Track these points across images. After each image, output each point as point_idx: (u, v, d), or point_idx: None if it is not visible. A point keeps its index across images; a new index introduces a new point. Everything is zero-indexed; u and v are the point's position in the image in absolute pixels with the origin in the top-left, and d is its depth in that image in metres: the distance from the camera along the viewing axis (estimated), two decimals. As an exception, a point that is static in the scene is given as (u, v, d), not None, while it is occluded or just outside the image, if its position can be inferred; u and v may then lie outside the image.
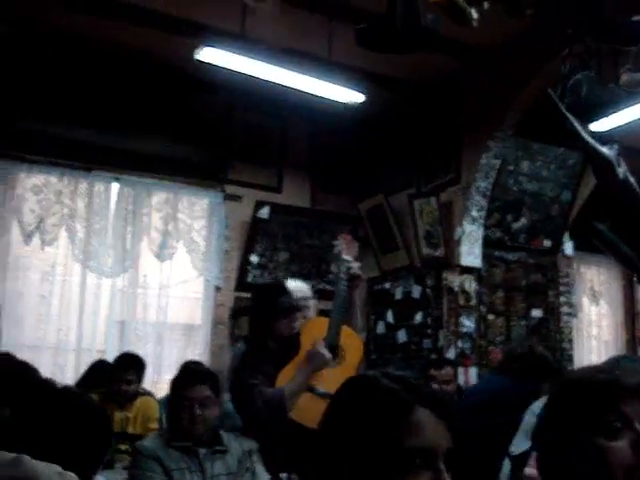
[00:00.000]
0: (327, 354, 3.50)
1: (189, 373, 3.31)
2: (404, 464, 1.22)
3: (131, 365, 4.99)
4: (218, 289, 6.73)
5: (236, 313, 6.62)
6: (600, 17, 2.80)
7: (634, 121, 5.59)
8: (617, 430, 1.30)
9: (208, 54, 5.10)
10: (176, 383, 3.26)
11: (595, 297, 9.14)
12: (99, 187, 6.40)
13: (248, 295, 6.78)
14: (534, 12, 2.72)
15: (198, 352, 6.62)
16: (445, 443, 1.26)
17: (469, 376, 6.26)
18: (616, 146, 3.59)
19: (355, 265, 3.92)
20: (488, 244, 6.65)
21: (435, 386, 5.06)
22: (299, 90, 5.62)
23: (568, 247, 7.29)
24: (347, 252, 3.85)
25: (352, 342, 3.76)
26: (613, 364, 1.54)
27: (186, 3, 5.41)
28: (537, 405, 3.19)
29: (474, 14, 2.54)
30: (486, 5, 2.55)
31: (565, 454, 1.36)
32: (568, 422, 1.37)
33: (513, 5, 2.58)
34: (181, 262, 6.68)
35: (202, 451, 3.12)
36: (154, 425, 4.84)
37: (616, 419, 1.31)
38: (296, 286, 4.19)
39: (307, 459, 1.38)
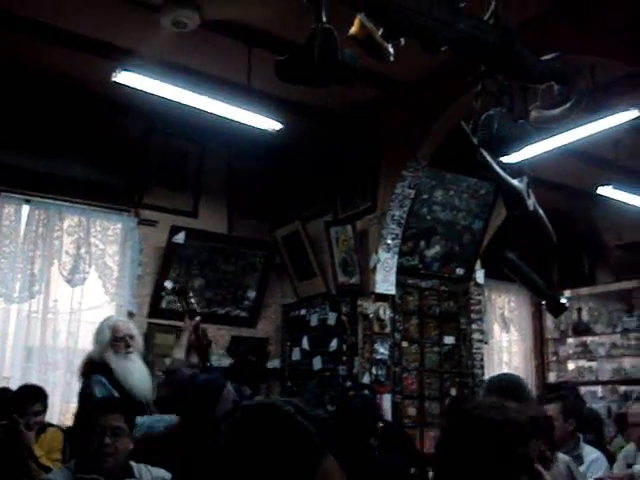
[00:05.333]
0: None
1: (101, 401, 3.20)
2: None
3: (38, 397, 4.82)
4: (131, 315, 6.60)
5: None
6: (511, 56, 2.91)
7: (542, 154, 5.83)
8: (517, 472, 1.28)
9: (126, 77, 5.05)
10: (84, 410, 3.14)
11: (506, 324, 9.39)
12: (9, 209, 6.20)
13: (162, 321, 6.71)
14: (449, 48, 2.81)
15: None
16: None
17: (383, 403, 6.31)
18: (526, 178, 3.73)
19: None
20: (402, 272, 6.75)
21: None
22: (218, 115, 5.62)
23: (479, 275, 7.48)
24: None
25: None
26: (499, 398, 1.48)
27: (106, 26, 5.34)
28: None
29: (390, 49, 2.61)
30: (402, 41, 2.62)
31: None
32: (468, 462, 1.33)
33: (428, 41, 2.65)
34: (93, 287, 6.51)
35: (112, 484, 2.91)
36: (57, 456, 4.67)
37: (515, 461, 1.29)
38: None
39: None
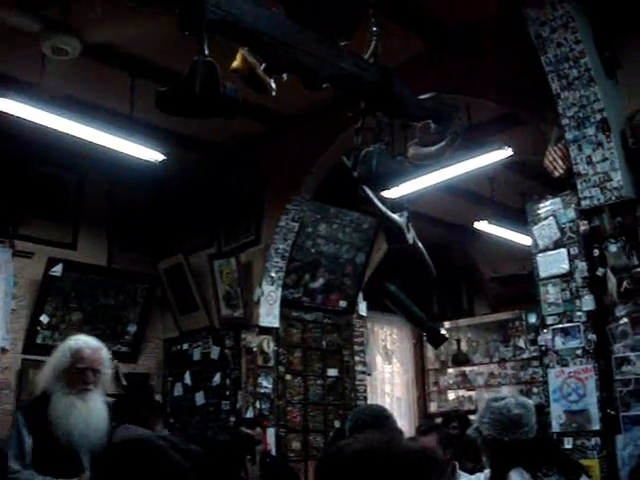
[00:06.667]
0: None
1: None
2: None
3: None
4: (4, 351, 6.29)
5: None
6: (390, 94, 2.99)
7: (422, 190, 6.00)
8: None
9: (5, 104, 4.86)
10: None
11: (388, 355, 9.53)
12: None
13: (37, 357, 6.43)
14: (330, 85, 2.86)
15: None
16: None
17: (267, 437, 6.25)
18: (406, 213, 3.82)
19: None
20: (286, 304, 6.77)
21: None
22: (98, 145, 5.49)
23: (362, 307, 7.59)
24: None
25: None
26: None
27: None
28: None
29: (273, 84, 2.64)
30: (285, 76, 2.66)
31: None
32: None
33: (310, 78, 2.70)
34: (-38, 321, 6.20)
35: None
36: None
37: None
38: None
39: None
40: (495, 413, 2.74)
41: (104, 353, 3.42)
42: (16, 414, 3.37)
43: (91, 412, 3.29)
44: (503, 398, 2.81)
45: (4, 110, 4.94)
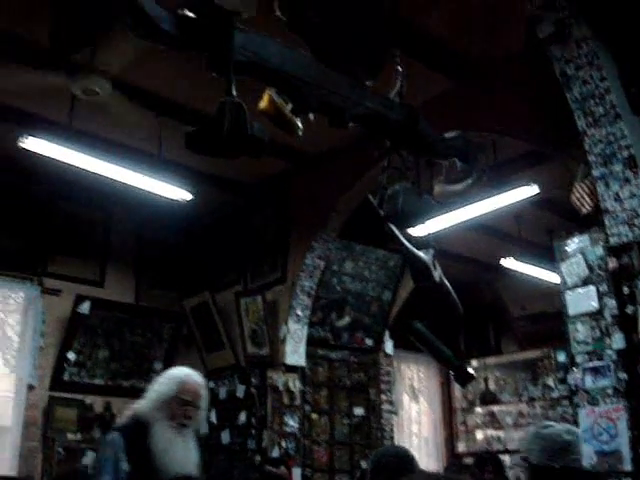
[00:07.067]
0: None
1: None
2: None
3: None
4: (31, 388, 6.33)
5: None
6: (415, 133, 3.01)
7: (448, 227, 5.99)
8: None
9: (33, 143, 4.96)
10: None
11: (415, 394, 9.45)
12: None
13: (64, 394, 6.47)
14: (356, 124, 2.88)
15: (7, 456, 6.14)
16: None
17: (293, 477, 6.20)
18: (432, 251, 3.81)
19: None
20: (312, 343, 6.74)
21: None
22: (127, 184, 5.56)
23: (388, 346, 7.53)
24: None
25: None
26: None
27: (13, 91, 5.25)
28: None
29: (299, 124, 2.66)
30: (311, 116, 2.68)
31: None
32: None
33: (336, 118, 2.72)
34: (-8, 358, 6.26)
35: None
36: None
37: None
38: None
39: None
40: (545, 440, 2.67)
41: (205, 390, 3.30)
42: (110, 437, 3.14)
43: (189, 450, 3.20)
44: (551, 425, 2.75)
45: (33, 149, 5.03)
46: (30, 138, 4.94)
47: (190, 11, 2.29)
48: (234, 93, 2.37)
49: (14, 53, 4.81)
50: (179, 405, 3.13)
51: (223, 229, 7.31)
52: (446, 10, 4.54)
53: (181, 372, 3.29)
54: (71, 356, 6.62)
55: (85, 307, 6.63)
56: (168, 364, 7.29)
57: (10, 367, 6.33)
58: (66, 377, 6.58)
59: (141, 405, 3.21)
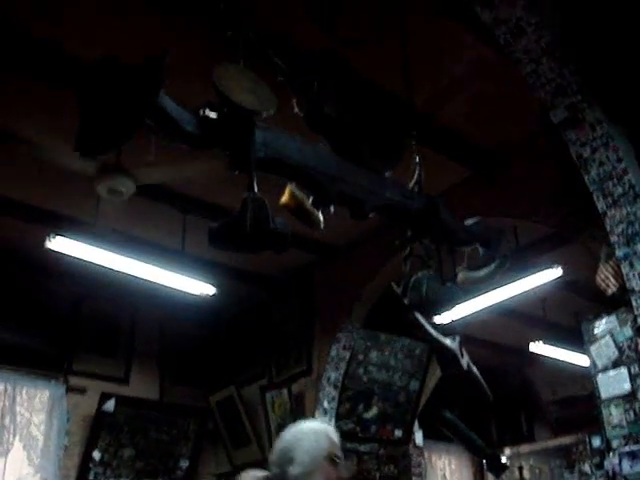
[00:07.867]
0: None
1: None
2: None
3: None
4: (54, 490, 6.24)
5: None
6: (436, 221, 3.03)
7: (473, 313, 5.95)
8: None
9: (59, 243, 5.04)
10: None
11: (447, 486, 9.17)
12: None
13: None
14: (377, 215, 2.92)
15: None
16: None
17: None
18: (458, 337, 3.78)
19: None
20: (340, 435, 6.59)
21: None
22: (150, 281, 5.61)
23: (418, 436, 7.37)
24: None
25: None
26: None
27: (40, 192, 5.38)
28: None
29: (321, 217, 2.70)
30: (332, 209, 2.72)
31: None
32: None
33: (357, 209, 2.76)
34: (17, 458, 6.19)
35: None
36: None
37: None
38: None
39: None
40: None
41: None
42: None
43: None
44: None
45: (59, 249, 5.11)
46: (57, 238, 5.01)
47: (211, 111, 2.36)
48: (256, 189, 2.41)
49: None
50: (331, 465, 2.35)
51: (247, 322, 7.31)
52: (460, 102, 4.64)
53: (328, 427, 2.57)
54: (96, 455, 6.53)
55: (110, 405, 6.58)
56: (194, 461, 7.19)
57: (35, 467, 6.25)
58: (91, 477, 6.48)
59: (278, 468, 2.31)
